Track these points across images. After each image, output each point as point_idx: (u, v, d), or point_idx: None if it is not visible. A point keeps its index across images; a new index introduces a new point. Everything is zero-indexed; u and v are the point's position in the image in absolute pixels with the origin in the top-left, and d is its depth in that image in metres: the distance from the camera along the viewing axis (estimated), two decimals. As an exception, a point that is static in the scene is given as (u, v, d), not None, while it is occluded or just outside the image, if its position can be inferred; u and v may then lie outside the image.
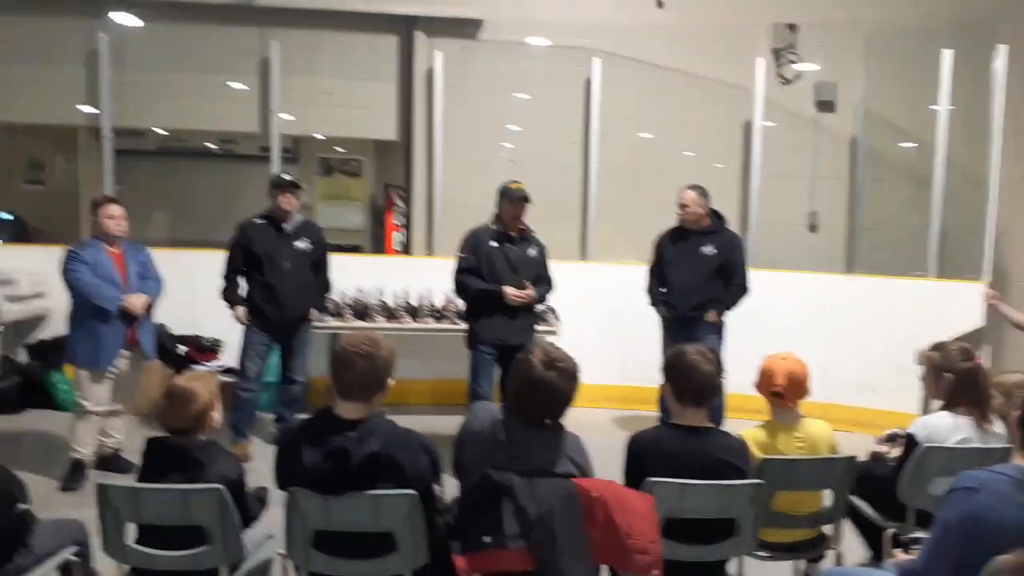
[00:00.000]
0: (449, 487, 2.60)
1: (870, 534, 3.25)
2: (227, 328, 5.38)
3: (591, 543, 2.39)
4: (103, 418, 4.52)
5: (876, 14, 6.74)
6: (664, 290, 5.33)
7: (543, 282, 4.95)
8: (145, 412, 5.23)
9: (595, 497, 2.40)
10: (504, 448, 2.46)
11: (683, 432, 2.68)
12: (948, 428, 3.04)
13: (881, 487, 3.11)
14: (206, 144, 9.87)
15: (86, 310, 4.34)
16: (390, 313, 5.56)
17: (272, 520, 2.69)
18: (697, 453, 2.63)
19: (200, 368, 5.85)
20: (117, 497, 2.44)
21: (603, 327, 6.21)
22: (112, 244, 4.48)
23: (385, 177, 9.90)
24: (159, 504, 2.46)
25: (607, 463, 2.72)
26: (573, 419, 2.55)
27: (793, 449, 2.97)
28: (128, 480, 2.60)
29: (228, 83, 6.80)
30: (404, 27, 6.80)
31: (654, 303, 5.35)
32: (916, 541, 2.49)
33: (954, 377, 3.10)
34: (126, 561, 2.51)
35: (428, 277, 5.79)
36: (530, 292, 4.80)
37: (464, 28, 6.77)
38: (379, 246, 9.71)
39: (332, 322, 5.37)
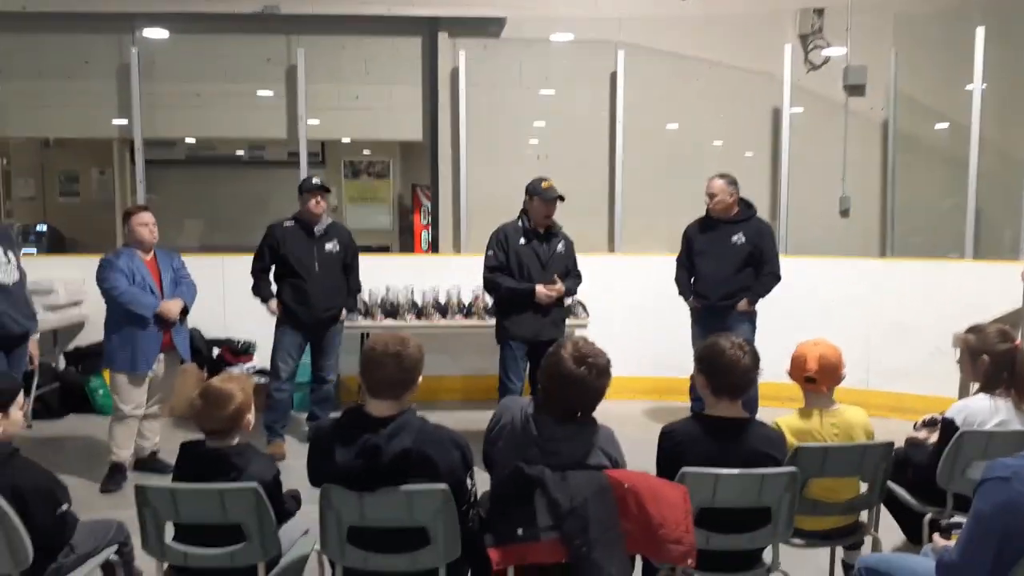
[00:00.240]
0: (480, 481, 2.60)
1: (906, 520, 3.19)
2: (259, 330, 5.47)
3: (624, 533, 2.38)
4: (140, 421, 4.61)
5: (903, -6, 6.64)
6: (694, 280, 5.29)
7: (572, 276, 4.94)
8: (180, 414, 5.33)
9: (628, 488, 2.40)
10: (535, 442, 2.46)
11: (718, 423, 2.66)
12: (986, 411, 2.98)
13: (919, 473, 3.05)
14: (235, 151, 10.02)
15: (122, 316, 4.43)
16: (419, 311, 5.59)
17: (307, 516, 2.71)
18: (734, 445, 2.61)
19: (234, 370, 5.94)
20: (155, 497, 2.48)
21: (633, 319, 6.19)
22: (145, 251, 4.57)
23: (411, 177, 9.98)
24: (196, 503, 2.50)
25: (639, 455, 2.71)
26: (604, 411, 2.54)
27: (828, 436, 2.93)
28: (166, 481, 2.63)
29: (255, 91, 6.89)
30: (427, 29, 6.83)
31: (683, 294, 5.31)
32: (956, 526, 2.44)
33: (991, 359, 3.03)
34: (165, 559, 2.56)
35: (456, 275, 5.81)
36: (560, 287, 4.79)
37: (487, 27, 6.78)
38: (407, 245, 9.79)
39: (362, 321, 5.42)
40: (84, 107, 6.82)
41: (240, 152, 10.06)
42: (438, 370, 5.56)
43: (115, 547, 2.80)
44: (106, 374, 5.37)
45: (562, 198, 4.78)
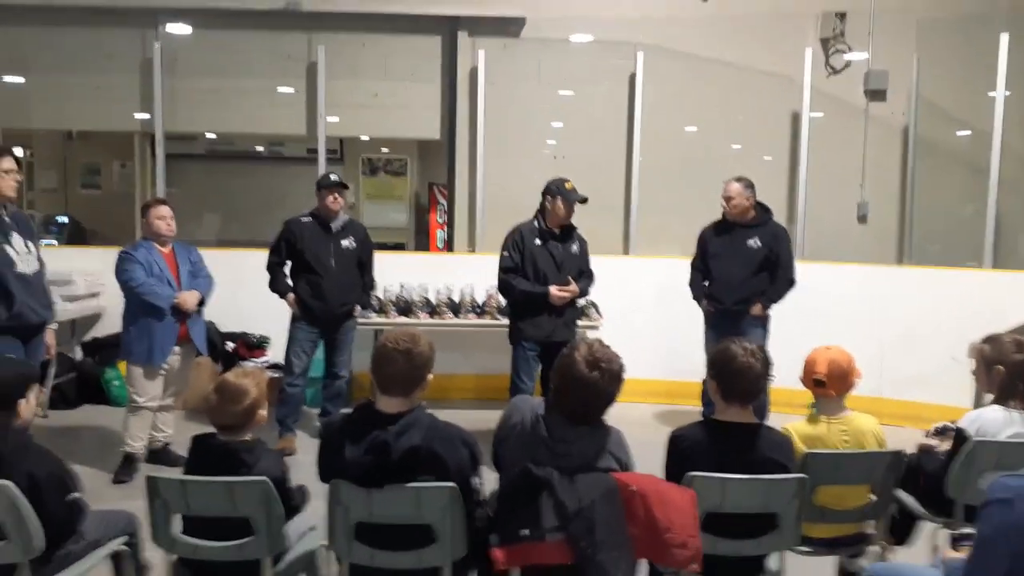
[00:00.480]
0: (488, 480, 2.61)
1: (901, 524, 3.17)
2: (274, 325, 5.50)
3: (631, 537, 2.38)
4: (154, 413, 4.65)
5: (927, 0, 6.56)
6: (708, 284, 5.27)
7: (585, 276, 4.94)
8: (194, 407, 5.38)
9: (635, 491, 2.39)
10: (545, 444, 2.46)
11: (728, 429, 2.65)
12: (1000, 422, 2.94)
13: (929, 481, 3.03)
14: (254, 147, 10.09)
15: (140, 308, 4.47)
16: (432, 309, 5.60)
17: (315, 512, 2.73)
18: (743, 451, 2.60)
19: (248, 364, 5.98)
20: (166, 489, 2.51)
21: (646, 321, 6.17)
22: (163, 244, 4.62)
23: (429, 176, 10.00)
24: (206, 496, 2.52)
25: (648, 458, 2.70)
26: (614, 413, 2.54)
27: (838, 443, 2.91)
28: (177, 473, 2.66)
29: (276, 87, 6.93)
30: (447, 28, 6.85)
31: (697, 297, 5.29)
32: (966, 537, 2.42)
33: (1007, 370, 3.00)
34: (173, 551, 2.58)
35: (471, 273, 5.83)
36: (573, 288, 4.78)
37: (507, 27, 6.79)
38: (423, 243, 9.81)
39: (376, 318, 5.44)
40: (107, 101, 6.89)
41: (259, 148, 10.13)
42: (450, 368, 5.58)
43: (125, 538, 2.83)
44: (122, 366, 5.43)
45: (585, 200, 4.78)
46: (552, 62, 6.89)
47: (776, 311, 5.18)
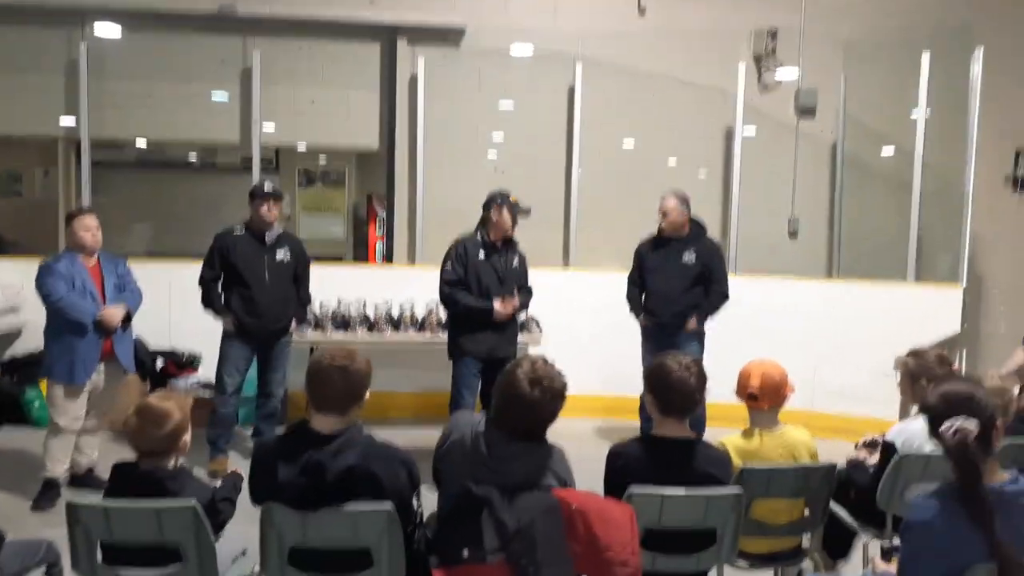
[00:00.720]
0: (428, 501, 2.57)
1: (838, 539, 3.24)
2: (205, 341, 5.34)
3: (572, 555, 2.37)
4: (77, 435, 4.46)
5: (854, 21, 6.81)
6: (645, 298, 5.33)
7: (525, 291, 4.95)
8: (121, 428, 5.16)
9: (575, 509, 2.38)
10: (485, 462, 2.44)
11: (665, 444, 2.67)
12: (924, 434, 3.00)
13: (860, 494, 3.11)
14: (186, 156, 9.82)
15: (61, 324, 4.28)
16: (371, 324, 5.52)
17: (247, 536, 2.65)
18: (680, 466, 2.62)
19: (178, 383, 5.79)
20: (87, 515, 2.40)
21: (585, 335, 6.19)
22: (88, 256, 4.44)
23: (367, 187, 9.89)
24: (131, 522, 2.42)
25: (588, 474, 2.70)
26: (553, 428, 2.53)
27: (773, 456, 2.96)
28: (99, 498, 2.54)
29: (209, 93, 6.76)
30: (386, 36, 6.79)
31: (634, 311, 5.35)
32: (896, 549, 2.48)
33: (930, 384, 3.09)
34: (97, 581, 2.47)
35: (411, 287, 5.76)
36: (515, 302, 4.79)
37: (447, 36, 6.77)
38: (361, 256, 9.69)
39: (312, 334, 5.33)
40: (30, 104, 6.63)
41: (191, 157, 9.86)
42: (389, 386, 5.49)
43: (44, 568, 2.70)
44: (43, 385, 5.18)
45: (528, 212, 4.78)
46: (492, 73, 6.90)
47: (711, 325, 5.27)
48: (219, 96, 6.73)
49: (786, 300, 6.29)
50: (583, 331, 6.19)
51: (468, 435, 2.51)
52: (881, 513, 3.04)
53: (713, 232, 5.61)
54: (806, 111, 6.91)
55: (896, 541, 2.77)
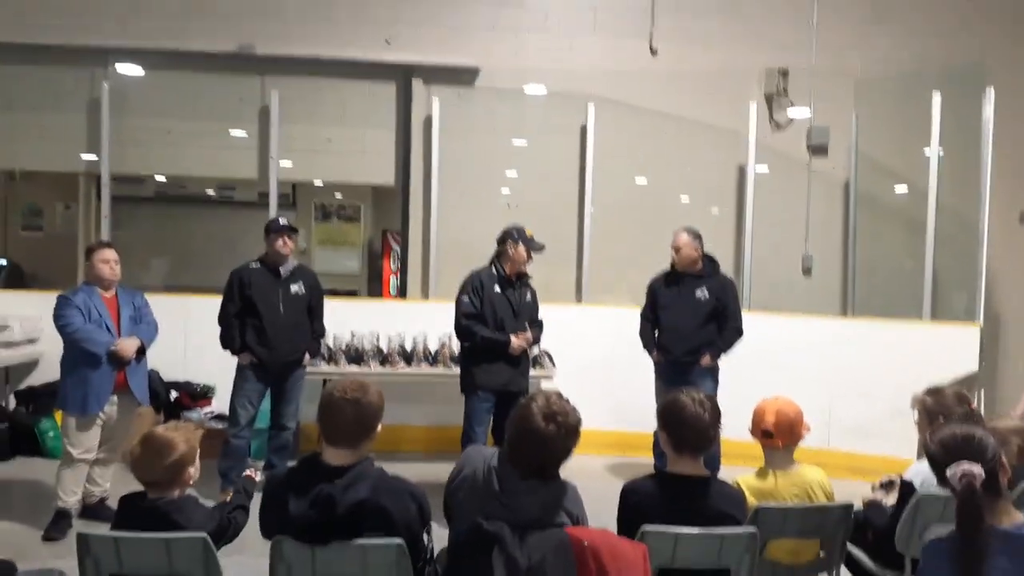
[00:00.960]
0: (438, 537, 2.55)
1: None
2: (220, 373, 5.36)
3: (583, 594, 2.33)
4: (90, 466, 4.47)
5: (865, 59, 6.87)
6: (658, 334, 5.32)
7: (536, 325, 4.95)
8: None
9: (587, 546, 2.35)
10: (497, 497, 2.42)
11: (679, 482, 2.64)
12: (945, 475, 2.99)
13: (878, 535, 3.05)
14: (205, 191, 9.96)
15: (77, 355, 4.33)
16: (384, 358, 5.53)
17: (257, 570, 2.63)
18: (694, 504, 2.59)
19: (191, 415, 5.80)
20: (98, 546, 2.40)
21: (597, 371, 6.17)
22: (105, 289, 4.49)
23: (382, 222, 9.98)
24: (141, 553, 2.42)
25: (600, 511, 2.67)
26: (565, 465, 2.51)
27: (787, 496, 2.92)
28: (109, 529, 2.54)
29: (228, 130, 6.88)
30: (402, 75, 6.91)
31: (647, 347, 5.33)
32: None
33: (948, 422, 3.06)
34: (105, 613, 2.46)
35: (424, 321, 5.78)
36: (529, 336, 4.81)
37: (461, 76, 6.87)
38: (375, 291, 9.74)
39: (325, 367, 5.34)
40: (53, 140, 6.77)
41: (210, 192, 10.00)
42: (401, 419, 5.49)
43: (53, 599, 2.69)
44: (58, 416, 5.21)
45: (543, 248, 4.83)
46: (506, 112, 6.99)
47: (725, 362, 5.24)
48: (238, 133, 6.85)
49: (801, 337, 6.24)
50: (595, 367, 6.17)
51: (480, 470, 2.50)
52: (900, 555, 2.98)
53: (726, 269, 5.60)
54: (818, 149, 6.93)
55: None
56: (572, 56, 6.94)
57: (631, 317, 5.49)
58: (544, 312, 5.07)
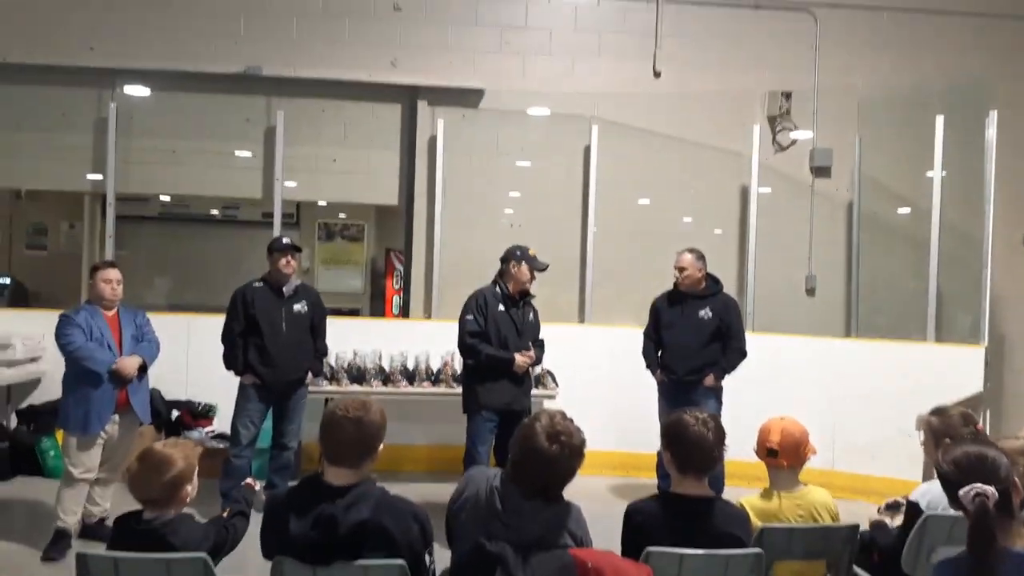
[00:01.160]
0: (441, 558, 2.53)
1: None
2: (222, 392, 5.35)
3: (586, 616, 2.31)
4: (91, 485, 4.45)
5: (868, 81, 6.90)
6: (661, 354, 5.30)
7: (538, 345, 4.95)
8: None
9: (591, 568, 2.33)
10: (499, 517, 2.40)
11: (683, 502, 2.62)
12: (950, 496, 2.96)
13: (883, 556, 3.02)
14: (209, 210, 9.99)
15: (78, 374, 4.32)
16: (387, 377, 5.51)
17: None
18: (699, 524, 2.57)
19: (192, 434, 5.78)
20: (96, 566, 2.38)
21: (600, 391, 6.15)
22: (107, 308, 4.50)
23: (386, 241, 9.99)
24: (140, 574, 2.39)
25: (604, 532, 2.65)
26: (569, 486, 2.49)
27: (792, 517, 2.90)
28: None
29: (233, 150, 6.91)
30: (407, 96, 6.95)
31: (650, 367, 5.32)
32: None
33: (954, 443, 3.03)
34: (104, 634, 2.43)
35: (426, 340, 5.77)
36: (532, 355, 4.81)
37: (466, 97, 6.91)
38: (378, 309, 9.73)
39: (327, 386, 5.33)
40: (59, 160, 6.79)
41: (214, 211, 10.04)
42: (403, 439, 5.47)
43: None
44: (59, 435, 5.20)
45: (546, 268, 4.84)
46: (510, 133, 7.02)
47: (729, 382, 5.22)
48: (243, 153, 6.88)
49: (805, 358, 6.23)
50: (598, 387, 6.16)
51: (483, 490, 2.48)
52: (906, 577, 2.95)
53: (729, 289, 5.60)
54: (821, 170, 6.96)
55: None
56: (576, 78, 6.99)
57: (634, 337, 5.48)
58: (547, 332, 5.06)
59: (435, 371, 5.63)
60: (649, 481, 4.97)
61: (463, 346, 4.79)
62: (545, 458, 2.37)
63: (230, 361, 4.96)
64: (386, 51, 6.84)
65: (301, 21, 6.78)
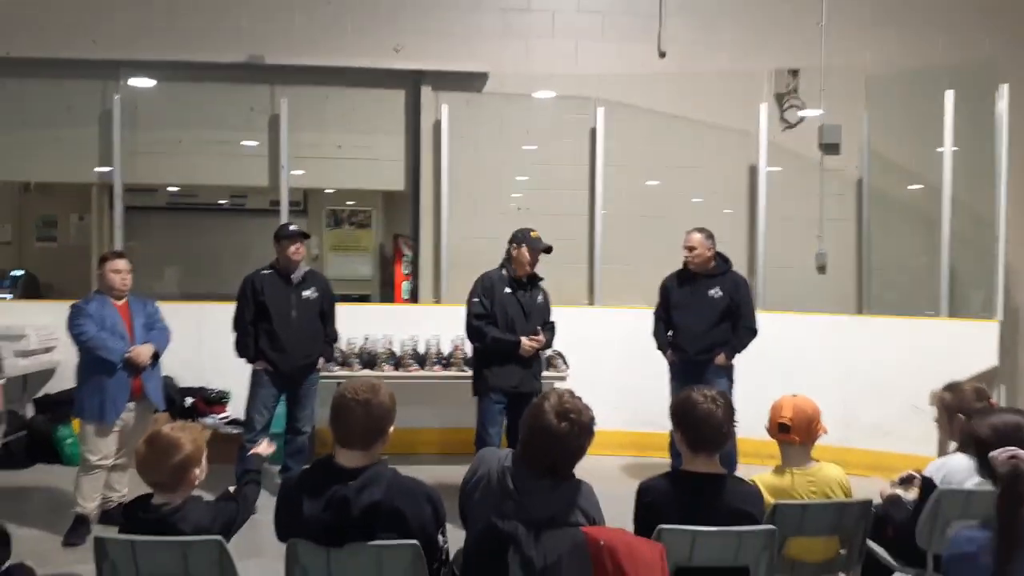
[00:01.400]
0: (454, 538, 2.54)
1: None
2: (235, 378, 5.38)
3: (599, 594, 2.31)
4: (108, 472, 4.50)
5: (876, 57, 6.82)
6: (671, 334, 5.30)
7: (549, 328, 4.94)
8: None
9: (603, 545, 2.34)
10: (511, 497, 2.41)
11: (695, 480, 2.62)
12: (965, 470, 2.94)
13: (898, 531, 3.02)
14: (216, 200, 10.01)
15: (92, 363, 4.36)
16: (397, 361, 5.53)
17: (272, 573, 2.63)
18: (711, 502, 2.57)
19: (206, 420, 5.82)
20: (115, 550, 2.40)
21: (611, 372, 6.15)
22: (117, 298, 4.52)
23: (393, 227, 9.99)
24: (157, 557, 2.42)
25: (616, 511, 2.65)
26: (580, 465, 2.50)
27: (805, 493, 2.90)
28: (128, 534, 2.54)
29: (239, 139, 6.91)
30: (411, 82, 6.92)
31: (661, 347, 5.31)
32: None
33: (968, 418, 3.02)
34: (123, 617, 2.46)
35: (436, 325, 5.78)
36: (541, 338, 4.80)
37: (470, 81, 6.88)
38: (388, 295, 9.75)
39: (339, 371, 5.35)
40: (66, 153, 6.80)
41: (222, 200, 10.05)
42: (415, 422, 5.49)
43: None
44: (76, 423, 5.25)
45: (550, 249, 4.82)
46: (515, 117, 6.98)
47: (740, 361, 5.21)
48: (248, 142, 6.88)
49: (816, 336, 6.20)
50: (609, 368, 6.16)
51: (495, 470, 2.49)
52: (920, 551, 2.94)
53: (739, 268, 5.58)
54: (830, 147, 6.90)
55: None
56: (580, 60, 6.94)
57: (644, 318, 5.47)
58: (557, 314, 5.06)
59: (446, 355, 5.64)
60: (660, 460, 4.98)
61: (469, 328, 4.81)
62: (554, 436, 2.37)
63: (242, 348, 4.99)
64: (388, 37, 6.81)
65: (303, 9, 6.75)
